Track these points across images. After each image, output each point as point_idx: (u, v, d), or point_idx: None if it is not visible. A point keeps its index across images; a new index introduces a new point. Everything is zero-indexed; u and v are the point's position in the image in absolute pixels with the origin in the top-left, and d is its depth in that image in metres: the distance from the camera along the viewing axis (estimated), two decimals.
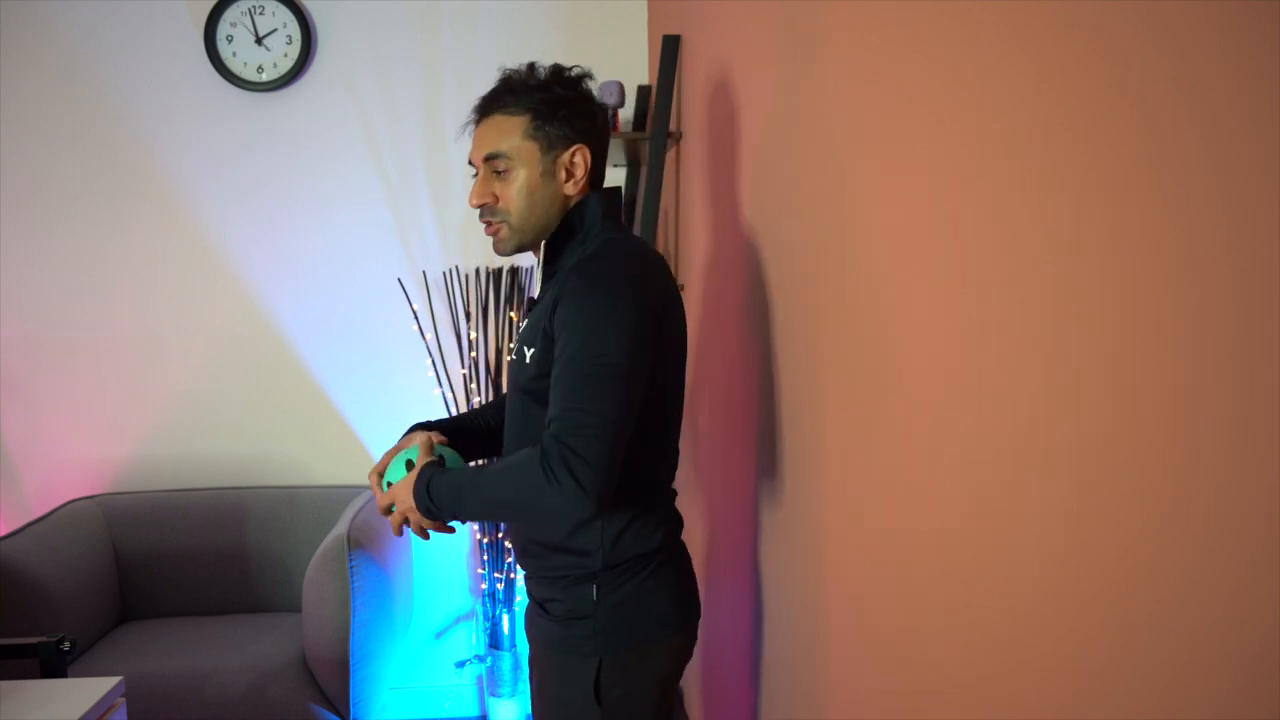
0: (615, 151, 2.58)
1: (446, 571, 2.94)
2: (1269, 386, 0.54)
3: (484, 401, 2.73)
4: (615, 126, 2.51)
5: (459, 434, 1.54)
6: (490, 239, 1.42)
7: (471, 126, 1.40)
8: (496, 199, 1.35)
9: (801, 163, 1.39)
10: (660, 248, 2.66)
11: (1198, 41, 0.59)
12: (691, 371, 2.30)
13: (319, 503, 2.71)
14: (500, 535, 2.74)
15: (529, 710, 2.90)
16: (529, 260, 2.74)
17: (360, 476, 2.89)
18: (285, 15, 2.72)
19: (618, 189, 1.44)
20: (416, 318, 2.81)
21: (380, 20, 2.78)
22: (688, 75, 2.26)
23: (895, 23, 1.03)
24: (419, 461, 1.37)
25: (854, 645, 1.24)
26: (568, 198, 1.37)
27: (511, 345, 1.51)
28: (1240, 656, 0.57)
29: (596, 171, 1.40)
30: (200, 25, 2.71)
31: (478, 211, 1.39)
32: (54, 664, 1.68)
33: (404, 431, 1.53)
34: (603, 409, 1.19)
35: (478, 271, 2.80)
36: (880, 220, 1.10)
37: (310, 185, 2.81)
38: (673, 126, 2.40)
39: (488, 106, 1.36)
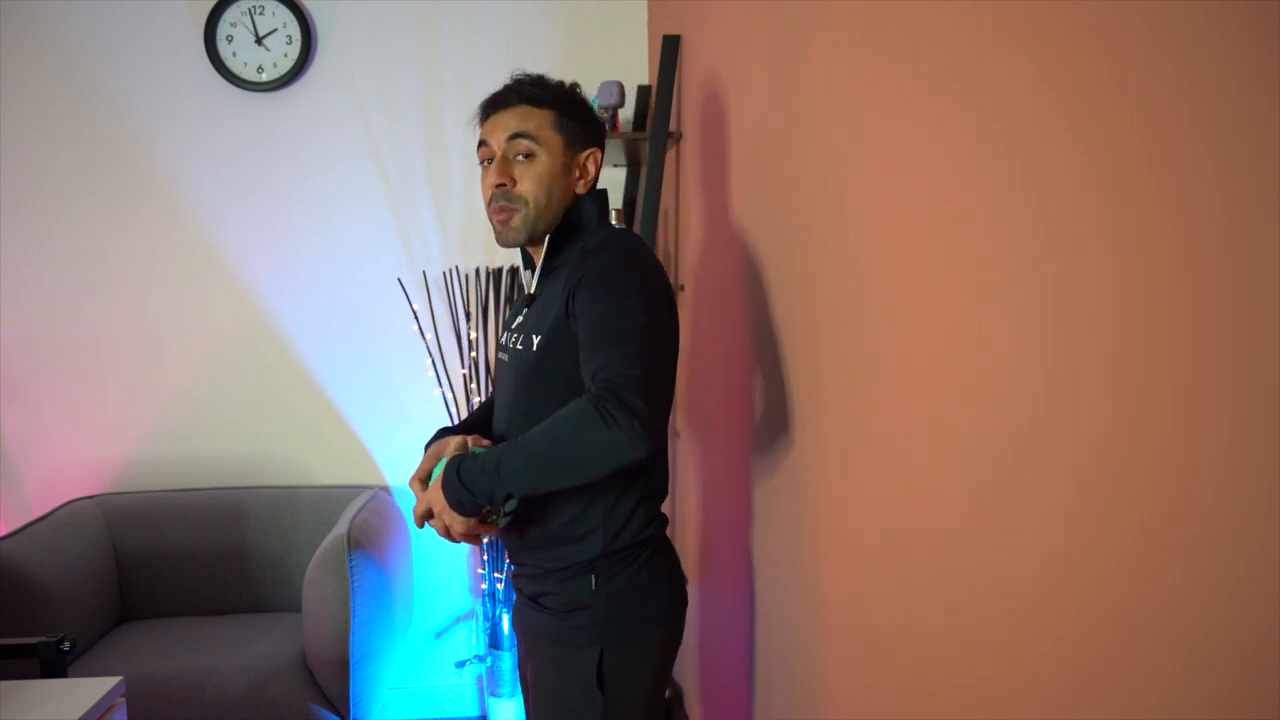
0: (615, 151, 2.58)
1: (446, 571, 2.94)
2: (1269, 387, 0.54)
3: (482, 400, 2.72)
4: (615, 126, 2.51)
5: (487, 429, 1.52)
6: (494, 233, 1.42)
7: (478, 120, 1.42)
8: (515, 183, 1.37)
9: (801, 162, 1.39)
10: (660, 248, 2.66)
11: (1198, 41, 0.59)
12: (690, 370, 2.30)
13: (319, 503, 2.71)
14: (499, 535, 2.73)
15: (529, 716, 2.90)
16: None
17: (360, 476, 2.89)
18: (285, 15, 2.72)
19: (605, 191, 1.48)
20: (416, 318, 2.81)
21: (380, 20, 2.78)
22: (688, 75, 2.26)
23: (894, 23, 1.03)
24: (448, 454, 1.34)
25: (851, 645, 1.24)
26: (575, 197, 1.41)
27: (501, 341, 1.50)
28: (1240, 657, 0.57)
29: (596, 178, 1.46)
30: (200, 25, 2.71)
31: (483, 209, 1.41)
32: (54, 664, 1.68)
33: (431, 437, 1.48)
34: (644, 356, 1.22)
35: (478, 271, 2.80)
36: (879, 220, 1.10)
37: (310, 185, 2.81)
38: (673, 126, 2.40)
39: (511, 96, 1.39)
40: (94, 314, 2.78)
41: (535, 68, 2.87)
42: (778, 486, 1.58)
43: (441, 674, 2.97)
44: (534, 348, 1.35)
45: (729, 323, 1.90)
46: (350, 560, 2.18)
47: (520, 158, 1.37)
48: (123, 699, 1.53)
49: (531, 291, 1.46)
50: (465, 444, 1.38)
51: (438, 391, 2.80)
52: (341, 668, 2.17)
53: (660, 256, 2.66)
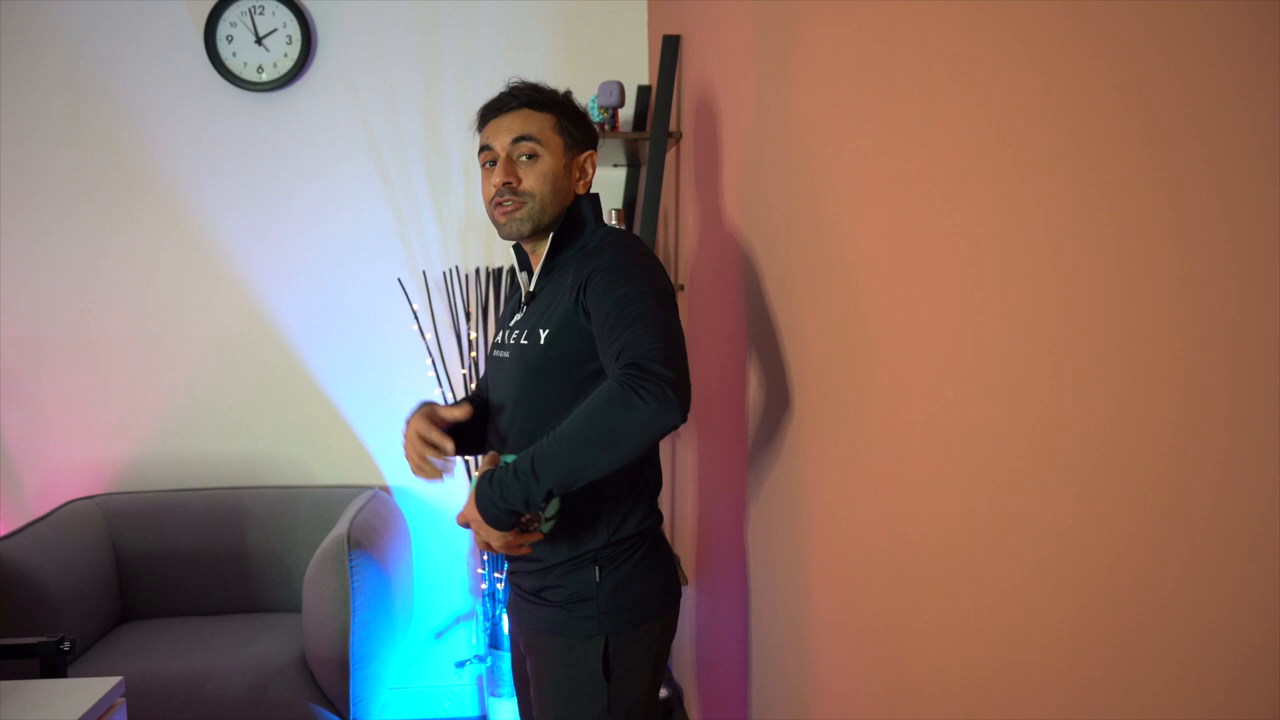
0: (615, 151, 2.58)
1: (446, 571, 2.94)
2: (1269, 388, 0.54)
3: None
4: (615, 126, 2.51)
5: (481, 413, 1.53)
6: (497, 227, 1.45)
7: (477, 125, 1.47)
8: (520, 181, 1.42)
9: (799, 162, 1.39)
10: (660, 247, 2.66)
11: (1198, 41, 0.59)
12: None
13: (319, 503, 2.71)
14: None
15: (532, 712, 2.90)
16: None
17: (360, 476, 2.89)
18: (285, 15, 2.72)
19: (598, 194, 1.52)
20: (416, 318, 2.81)
21: (380, 20, 2.78)
22: (688, 75, 2.26)
23: (893, 23, 1.03)
24: (480, 467, 1.32)
25: (846, 646, 1.24)
26: (575, 197, 1.46)
27: (498, 340, 1.50)
28: (1239, 657, 0.57)
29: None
30: (200, 25, 2.71)
31: (483, 209, 1.43)
32: (54, 664, 1.68)
33: (413, 409, 1.47)
34: (663, 329, 1.25)
35: (478, 271, 2.80)
36: (878, 221, 1.10)
37: (310, 185, 2.81)
38: (673, 126, 2.40)
39: (511, 101, 1.43)
40: (94, 314, 2.78)
41: (535, 68, 2.88)
42: (774, 487, 1.58)
43: (441, 674, 2.97)
44: (540, 341, 1.38)
45: (727, 323, 1.90)
46: (350, 560, 2.18)
47: (524, 158, 1.42)
48: (123, 699, 1.53)
49: (531, 289, 1.48)
50: (495, 458, 1.35)
51: (438, 391, 2.80)
52: (341, 668, 2.17)
53: (660, 256, 2.66)
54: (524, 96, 1.43)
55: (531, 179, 1.41)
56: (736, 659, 1.90)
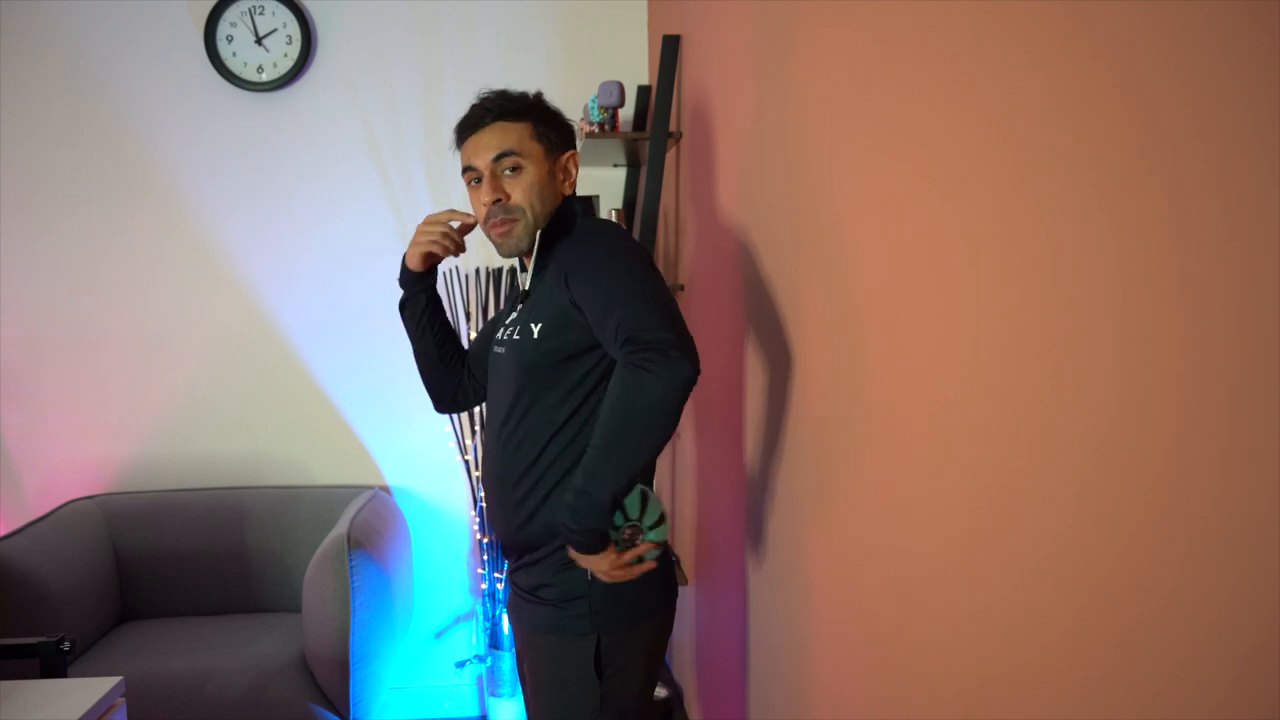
0: (615, 151, 2.58)
1: (446, 571, 2.94)
2: (1269, 387, 0.54)
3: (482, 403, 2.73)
4: (615, 126, 2.51)
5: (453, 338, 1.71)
6: (495, 247, 1.48)
7: (455, 142, 1.48)
8: (509, 196, 1.42)
9: (799, 162, 1.39)
10: (660, 247, 2.66)
11: (1198, 41, 0.59)
12: None
13: (319, 503, 2.71)
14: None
15: (528, 710, 2.90)
16: None
17: (360, 476, 2.89)
18: (285, 15, 2.72)
19: (592, 197, 1.53)
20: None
21: (380, 20, 2.78)
22: (688, 75, 2.26)
23: (893, 23, 1.03)
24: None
25: (844, 649, 1.24)
26: (564, 199, 1.47)
27: (499, 337, 1.52)
28: (1240, 657, 0.57)
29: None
30: (200, 25, 2.71)
31: (480, 226, 1.47)
32: (54, 664, 1.68)
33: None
34: (649, 297, 1.26)
35: (478, 271, 2.80)
36: (878, 220, 1.10)
37: (310, 185, 2.81)
38: (673, 126, 2.40)
39: (485, 116, 1.43)
40: (94, 314, 2.78)
41: (535, 68, 2.88)
42: (773, 487, 1.58)
43: (441, 674, 2.97)
44: (534, 335, 1.39)
45: (726, 322, 1.90)
46: (350, 560, 2.18)
47: (508, 172, 1.42)
48: (123, 699, 1.53)
49: (526, 288, 1.49)
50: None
51: None
52: (341, 668, 2.17)
53: (660, 256, 2.66)
54: (497, 108, 1.43)
55: (519, 192, 1.41)
56: (736, 659, 1.90)
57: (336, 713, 2.20)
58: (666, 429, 1.24)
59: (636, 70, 2.83)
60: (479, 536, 2.80)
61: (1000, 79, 0.82)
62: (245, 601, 2.66)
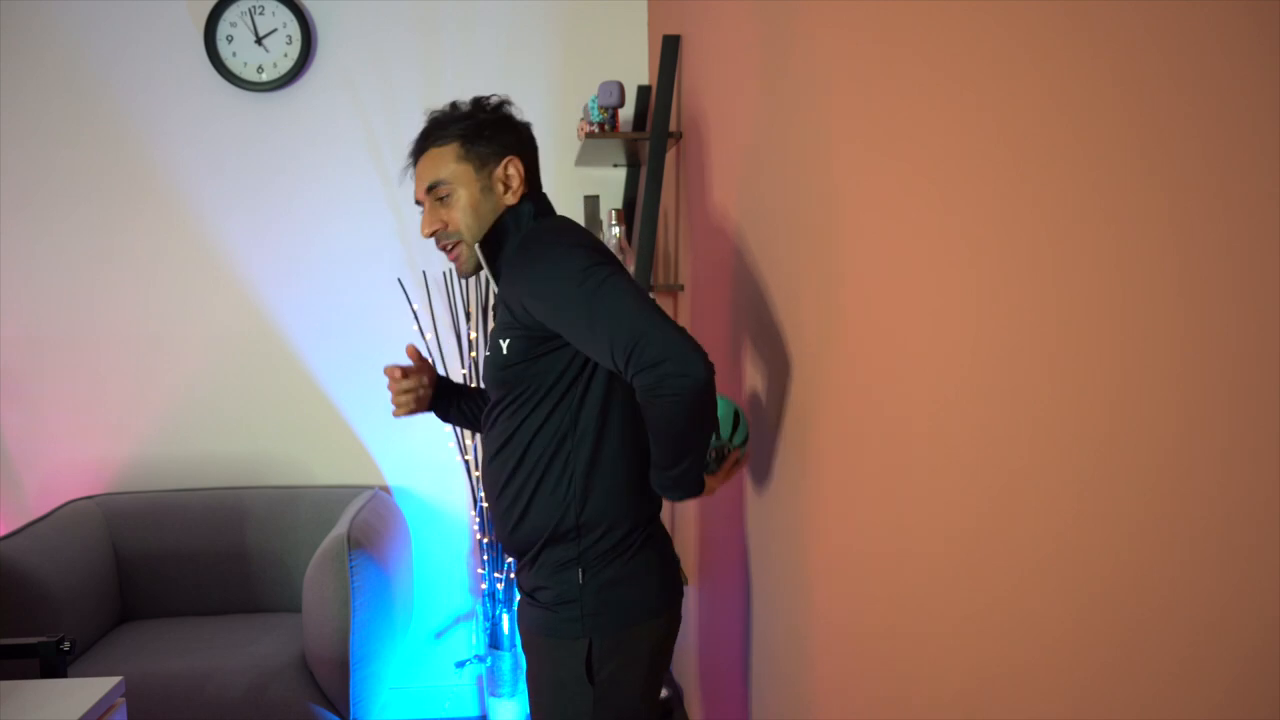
0: (615, 151, 2.58)
1: (446, 571, 2.94)
2: (1269, 387, 0.54)
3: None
4: (615, 126, 2.51)
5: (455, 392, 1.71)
6: (454, 266, 1.51)
7: (411, 170, 1.49)
8: (446, 224, 1.44)
9: (799, 162, 1.39)
10: (660, 248, 2.66)
11: (1198, 41, 0.59)
12: None
13: (319, 503, 2.71)
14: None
15: (529, 710, 2.90)
16: None
17: (360, 476, 2.89)
18: (285, 15, 2.72)
19: (542, 189, 1.52)
20: (416, 318, 2.81)
21: (380, 20, 2.78)
22: (688, 75, 2.26)
23: (893, 23, 1.03)
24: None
25: (844, 649, 1.24)
26: (510, 207, 1.45)
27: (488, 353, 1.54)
28: (1240, 657, 0.57)
29: (532, 180, 1.49)
30: (200, 25, 2.71)
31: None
32: (54, 664, 1.68)
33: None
34: (627, 311, 1.27)
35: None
36: (878, 220, 1.10)
37: (310, 185, 2.81)
38: (673, 126, 2.40)
39: (420, 145, 1.46)
40: (94, 314, 2.78)
41: (535, 68, 2.88)
42: (774, 488, 1.58)
43: (441, 674, 2.97)
44: (503, 350, 1.41)
45: (726, 322, 1.89)
46: (350, 560, 2.18)
47: (441, 200, 1.44)
48: (123, 699, 1.53)
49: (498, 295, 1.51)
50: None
51: None
52: (341, 668, 2.17)
53: (660, 256, 2.66)
54: (429, 136, 1.45)
55: (454, 218, 1.44)
56: (736, 659, 1.90)
57: (336, 713, 2.20)
58: (710, 418, 1.32)
59: (636, 70, 2.83)
60: (479, 536, 2.80)
61: (1000, 79, 0.82)
62: (245, 601, 2.66)
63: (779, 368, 1.54)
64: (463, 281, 2.81)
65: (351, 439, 2.89)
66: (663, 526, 1.51)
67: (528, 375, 1.39)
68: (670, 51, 2.29)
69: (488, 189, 1.44)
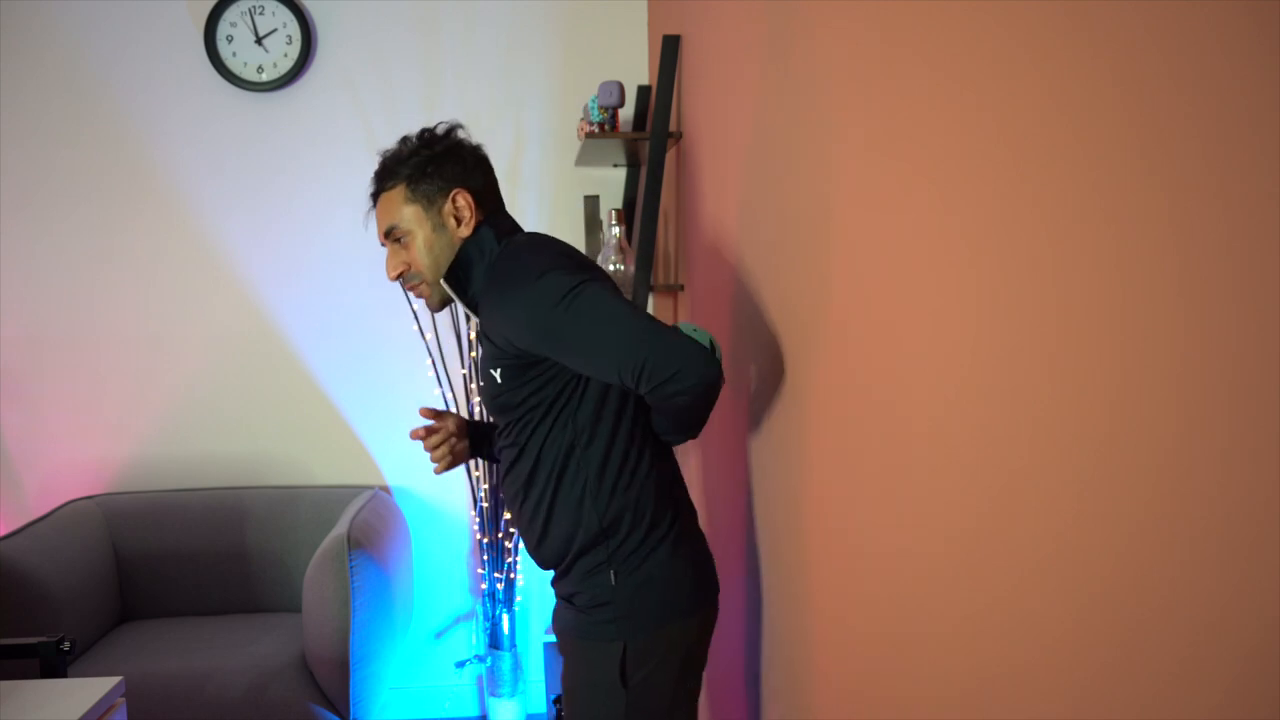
0: (615, 151, 2.58)
1: (446, 571, 2.94)
2: (1269, 387, 0.54)
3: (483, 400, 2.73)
4: (615, 126, 2.51)
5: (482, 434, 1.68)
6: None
7: (373, 213, 1.51)
8: (408, 265, 1.46)
9: (800, 162, 1.39)
10: (660, 248, 2.66)
11: (1198, 41, 0.59)
12: None
13: (319, 503, 2.71)
14: (500, 535, 2.74)
15: (529, 710, 2.90)
16: None
17: (360, 476, 2.89)
18: (285, 15, 2.72)
19: (503, 209, 1.51)
20: (416, 318, 2.81)
21: (380, 20, 2.78)
22: (688, 75, 2.26)
23: (893, 23, 1.03)
24: None
25: (845, 649, 1.24)
26: (467, 238, 1.45)
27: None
28: (1240, 657, 0.57)
29: (488, 203, 1.48)
30: (200, 25, 2.71)
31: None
32: (54, 664, 1.68)
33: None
34: (623, 330, 1.29)
35: None
36: (878, 220, 1.10)
37: (310, 185, 2.81)
38: (673, 126, 2.40)
39: (374, 190, 1.48)
40: (94, 314, 2.78)
41: (535, 68, 2.88)
42: (775, 488, 1.58)
43: (441, 674, 2.97)
44: (497, 380, 1.42)
45: (727, 323, 1.89)
46: (350, 560, 2.18)
47: (399, 242, 1.46)
48: (123, 699, 1.53)
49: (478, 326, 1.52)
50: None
51: (437, 391, 2.80)
52: (341, 668, 2.17)
53: (660, 256, 2.66)
54: (378, 180, 1.46)
55: (413, 259, 1.45)
56: (737, 659, 1.90)
57: (336, 713, 2.20)
58: (716, 398, 1.36)
59: (636, 70, 2.83)
60: (479, 536, 2.80)
61: (1000, 79, 0.82)
62: (245, 601, 2.66)
63: (779, 367, 1.53)
64: None
65: (351, 439, 2.89)
66: (696, 525, 1.52)
67: (525, 397, 1.40)
68: (670, 51, 2.28)
69: (440, 226, 1.44)
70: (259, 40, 2.72)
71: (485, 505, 2.73)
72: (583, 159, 2.66)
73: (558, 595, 1.52)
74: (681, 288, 2.46)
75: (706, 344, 1.44)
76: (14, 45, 2.69)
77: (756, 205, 1.68)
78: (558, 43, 2.82)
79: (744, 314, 1.77)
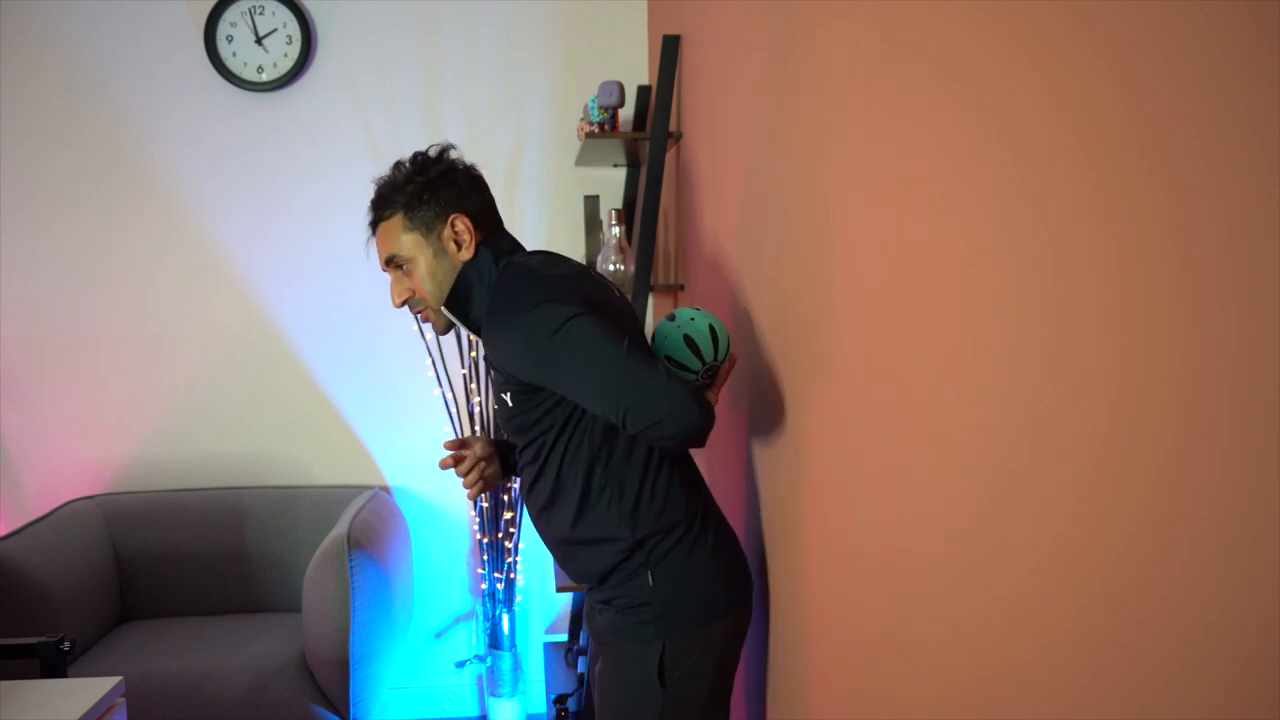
0: (615, 151, 2.58)
1: (446, 571, 2.94)
2: (1269, 387, 0.54)
3: (483, 401, 2.73)
4: (615, 126, 2.51)
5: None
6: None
7: (373, 240, 1.51)
8: (413, 292, 1.46)
9: (800, 162, 1.39)
10: (660, 248, 2.66)
11: (1198, 41, 0.59)
12: None
13: (319, 503, 2.71)
14: (500, 535, 2.74)
15: (529, 710, 2.90)
16: None
17: (360, 476, 2.89)
18: (285, 15, 2.72)
19: (501, 227, 1.51)
20: (416, 318, 2.81)
21: (380, 20, 2.78)
22: (688, 75, 2.26)
23: (893, 23, 1.03)
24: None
25: (845, 650, 1.24)
26: (467, 262, 1.46)
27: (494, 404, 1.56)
28: (1240, 657, 0.57)
29: (486, 223, 1.48)
30: (200, 25, 2.71)
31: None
32: (54, 664, 1.68)
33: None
34: (611, 372, 1.30)
35: None
36: (878, 220, 1.10)
37: (310, 185, 2.81)
38: (673, 126, 2.40)
39: (373, 219, 1.48)
40: (94, 314, 2.78)
41: (535, 68, 2.88)
42: (775, 489, 1.58)
43: (441, 674, 2.97)
44: (509, 404, 1.43)
45: (727, 323, 1.89)
46: (350, 560, 2.18)
47: (400, 270, 1.46)
48: (123, 699, 1.53)
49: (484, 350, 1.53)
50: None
51: (437, 392, 2.80)
52: (341, 668, 2.17)
53: (660, 256, 2.66)
54: (375, 210, 1.46)
55: (416, 286, 1.45)
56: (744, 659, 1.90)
57: (336, 713, 2.20)
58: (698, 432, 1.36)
59: (636, 70, 2.83)
60: (479, 536, 2.80)
61: (1000, 79, 0.82)
62: (245, 601, 2.66)
63: (778, 367, 1.53)
64: None
65: (351, 439, 2.89)
66: (726, 523, 1.53)
67: (538, 418, 1.41)
68: (670, 51, 2.29)
69: (441, 252, 1.44)
70: (259, 40, 2.72)
71: (485, 505, 2.73)
72: (583, 159, 2.66)
73: (594, 600, 1.52)
74: (681, 287, 2.46)
75: (705, 331, 1.45)
76: (14, 45, 2.69)
77: (756, 205, 1.68)
78: (558, 43, 2.82)
79: (744, 313, 1.77)
